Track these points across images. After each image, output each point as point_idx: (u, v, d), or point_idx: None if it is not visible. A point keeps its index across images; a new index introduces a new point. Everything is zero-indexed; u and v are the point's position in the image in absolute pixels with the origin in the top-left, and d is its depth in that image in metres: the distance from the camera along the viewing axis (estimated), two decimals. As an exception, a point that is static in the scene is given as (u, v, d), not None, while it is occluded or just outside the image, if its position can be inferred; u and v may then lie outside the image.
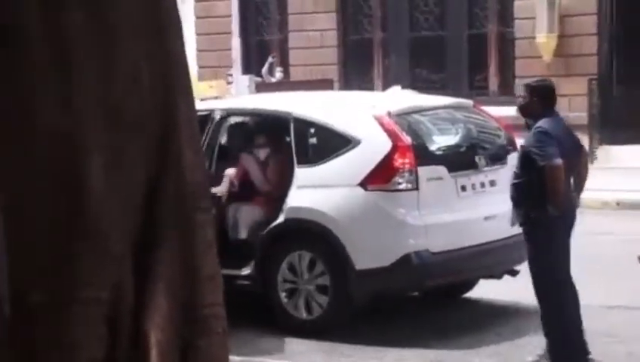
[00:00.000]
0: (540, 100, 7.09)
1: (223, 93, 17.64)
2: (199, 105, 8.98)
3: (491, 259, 8.51)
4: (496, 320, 7.06)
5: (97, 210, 3.75)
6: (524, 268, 8.27)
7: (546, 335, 7.05)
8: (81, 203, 3.74)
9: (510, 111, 8.26)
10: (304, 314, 8.36)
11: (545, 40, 18.56)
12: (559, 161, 6.78)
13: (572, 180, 7.07)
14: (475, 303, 9.12)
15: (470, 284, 9.23)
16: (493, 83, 20.12)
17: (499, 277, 8.95)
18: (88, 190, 3.74)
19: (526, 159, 6.97)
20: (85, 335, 3.69)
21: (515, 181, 7.04)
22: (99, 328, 3.71)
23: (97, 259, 3.73)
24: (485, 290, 9.07)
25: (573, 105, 17.75)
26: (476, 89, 19.99)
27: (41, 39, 3.73)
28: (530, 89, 7.18)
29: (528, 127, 7.13)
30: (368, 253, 8.15)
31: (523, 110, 7.21)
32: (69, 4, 3.73)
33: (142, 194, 3.86)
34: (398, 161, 8.18)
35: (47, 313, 3.69)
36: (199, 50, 22.64)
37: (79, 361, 3.69)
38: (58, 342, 3.67)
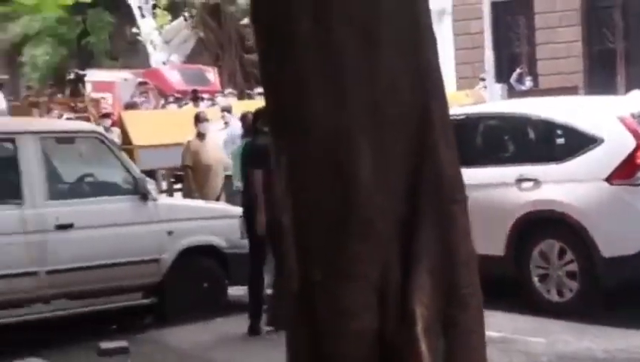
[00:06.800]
0: None
1: (477, 100, 17.56)
2: (456, 111, 9.00)
3: None
4: None
5: (367, 201, 3.86)
6: None
7: None
8: (352, 193, 3.86)
9: None
10: (556, 297, 8.19)
11: None
12: None
13: None
14: None
15: None
16: None
17: None
18: (359, 182, 3.85)
19: None
20: (359, 306, 3.81)
21: None
22: (370, 301, 3.82)
23: (367, 242, 3.85)
24: None
25: None
26: None
27: (314, 46, 3.86)
28: None
29: None
30: (614, 242, 7.90)
31: None
32: (339, 20, 3.85)
33: (404, 186, 3.93)
34: (641, 158, 7.89)
35: (325, 287, 3.84)
36: (457, 64, 22.71)
37: (355, 329, 3.81)
38: (336, 311, 3.80)
